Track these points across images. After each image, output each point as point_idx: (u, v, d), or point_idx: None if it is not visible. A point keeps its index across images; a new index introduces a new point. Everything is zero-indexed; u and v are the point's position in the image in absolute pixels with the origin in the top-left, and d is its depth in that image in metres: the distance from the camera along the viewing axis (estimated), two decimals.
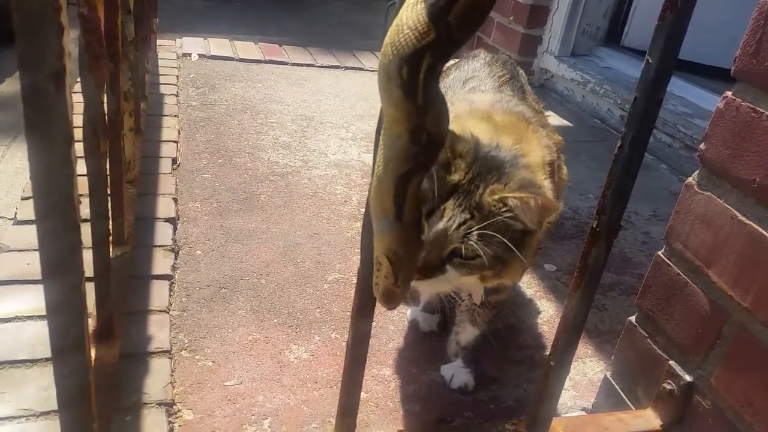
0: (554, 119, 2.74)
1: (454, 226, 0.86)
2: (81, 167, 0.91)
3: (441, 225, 0.86)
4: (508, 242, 0.86)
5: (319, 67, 2.95)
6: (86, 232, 0.95)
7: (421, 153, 0.50)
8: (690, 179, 0.95)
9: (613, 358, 1.14)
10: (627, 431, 0.98)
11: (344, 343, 0.74)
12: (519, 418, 1.03)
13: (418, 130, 0.49)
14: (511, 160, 0.91)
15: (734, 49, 0.88)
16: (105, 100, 1.11)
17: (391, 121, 0.50)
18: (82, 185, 0.93)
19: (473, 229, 0.85)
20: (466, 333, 1.20)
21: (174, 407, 1.05)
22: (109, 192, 1.14)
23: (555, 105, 2.93)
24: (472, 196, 0.87)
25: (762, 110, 0.83)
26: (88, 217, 0.97)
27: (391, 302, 0.62)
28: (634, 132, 0.68)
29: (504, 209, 0.86)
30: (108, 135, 1.04)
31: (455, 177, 0.88)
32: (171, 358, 1.14)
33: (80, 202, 0.54)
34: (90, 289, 1.00)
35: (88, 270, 0.98)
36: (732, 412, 0.88)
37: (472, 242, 0.85)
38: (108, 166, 1.12)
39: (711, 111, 0.92)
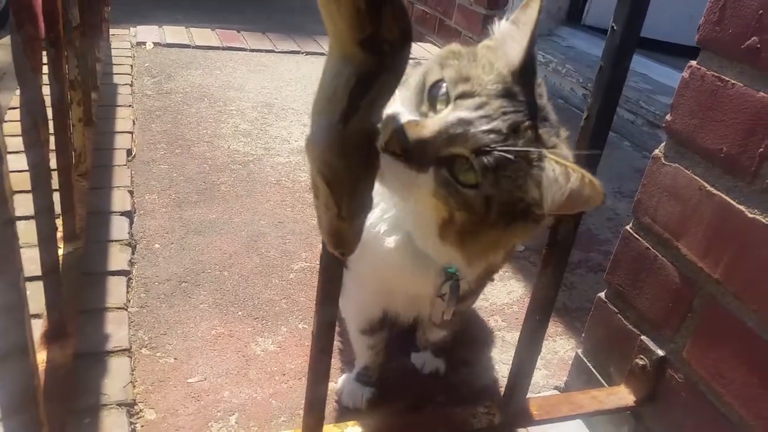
0: None
1: (483, 127, 0.65)
2: (22, 161, 0.87)
3: (472, 114, 0.65)
4: (511, 199, 0.68)
5: (278, 52, 2.88)
6: (33, 228, 0.90)
7: (387, 56, 0.36)
8: (657, 151, 0.94)
9: (583, 335, 1.13)
10: (601, 408, 0.97)
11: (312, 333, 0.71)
12: (492, 400, 1.01)
13: (373, 39, 0.35)
14: (557, 131, 0.75)
15: (691, 26, 0.86)
16: (49, 90, 1.06)
17: (336, 37, 0.36)
18: (25, 180, 0.88)
19: (499, 145, 0.65)
20: (433, 334, 1.16)
21: (135, 407, 1.01)
22: (57, 186, 1.08)
23: None
24: (519, 115, 0.68)
25: (727, 78, 0.82)
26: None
27: (340, 244, 0.47)
28: (601, 101, 0.65)
29: (535, 164, 0.67)
30: (51, 124, 0.98)
31: (514, 88, 0.69)
32: (130, 357, 1.09)
33: (13, 193, 0.50)
34: (39, 287, 0.95)
35: (36, 268, 0.94)
36: (704, 384, 0.87)
37: (485, 159, 0.65)
38: (55, 159, 1.06)
39: (673, 87, 0.91)
